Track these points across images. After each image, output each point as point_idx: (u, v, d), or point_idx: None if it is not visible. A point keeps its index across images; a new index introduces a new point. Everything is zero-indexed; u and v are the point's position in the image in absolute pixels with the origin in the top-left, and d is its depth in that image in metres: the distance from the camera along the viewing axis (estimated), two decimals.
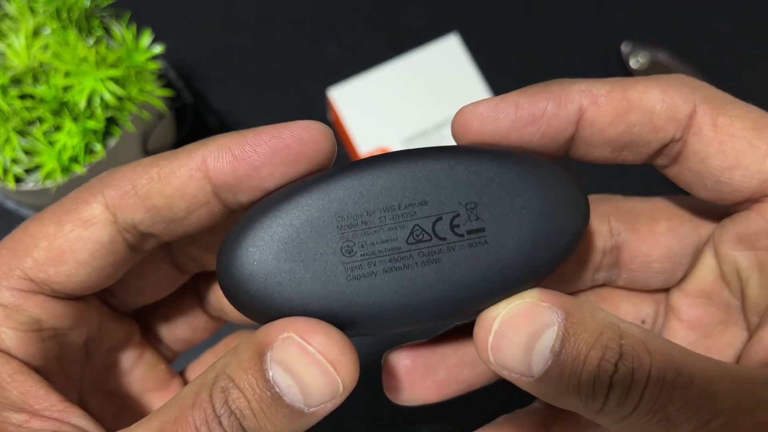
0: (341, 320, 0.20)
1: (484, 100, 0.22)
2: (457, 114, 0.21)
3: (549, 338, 0.18)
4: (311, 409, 0.18)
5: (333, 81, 0.50)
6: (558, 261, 0.20)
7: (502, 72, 0.52)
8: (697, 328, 0.24)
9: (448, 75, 0.49)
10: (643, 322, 0.25)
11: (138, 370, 0.26)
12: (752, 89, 0.53)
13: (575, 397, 0.18)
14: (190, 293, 0.27)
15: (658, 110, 0.20)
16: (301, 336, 0.18)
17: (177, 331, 0.27)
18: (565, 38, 0.54)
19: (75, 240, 0.20)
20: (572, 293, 0.26)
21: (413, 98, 0.48)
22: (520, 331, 0.19)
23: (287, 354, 0.18)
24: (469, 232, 0.20)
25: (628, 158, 0.22)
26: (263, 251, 0.20)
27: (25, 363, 0.20)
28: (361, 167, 0.20)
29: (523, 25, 0.54)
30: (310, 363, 0.18)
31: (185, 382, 0.27)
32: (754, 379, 0.19)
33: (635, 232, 0.24)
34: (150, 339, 0.27)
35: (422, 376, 0.24)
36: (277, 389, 0.18)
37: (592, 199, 0.24)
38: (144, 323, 0.27)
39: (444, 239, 0.20)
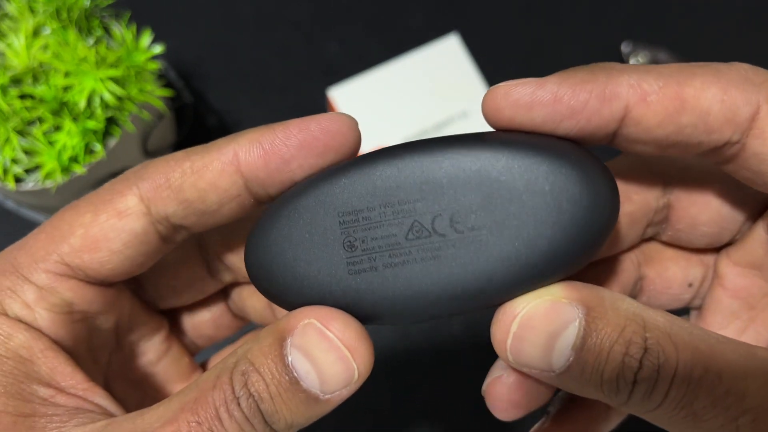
0: (349, 311, 0.20)
1: (520, 81, 0.20)
2: (489, 92, 0.20)
3: (570, 335, 0.18)
4: (326, 396, 0.19)
5: (333, 81, 0.50)
6: (582, 256, 0.19)
7: (502, 72, 0.52)
8: (742, 298, 0.24)
9: (448, 75, 0.49)
10: (690, 285, 0.25)
11: (164, 362, 0.27)
12: None
13: (598, 392, 0.18)
14: (217, 293, 0.28)
15: (715, 111, 0.18)
16: (321, 322, 0.19)
17: (202, 328, 0.28)
18: (565, 38, 0.54)
19: (109, 229, 0.21)
20: (622, 251, 0.25)
21: (413, 98, 0.48)
22: (539, 331, 0.18)
23: (307, 340, 0.19)
24: (471, 228, 0.20)
25: (674, 155, 0.20)
26: (279, 244, 0.21)
27: (55, 342, 0.21)
28: (361, 162, 0.21)
29: (523, 25, 0.54)
30: (328, 349, 0.19)
31: None
32: None
33: (687, 192, 0.23)
34: (176, 333, 0.28)
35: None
36: (296, 374, 0.19)
37: None
38: (172, 317, 0.28)
39: (443, 236, 0.20)
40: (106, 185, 0.22)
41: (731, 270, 0.24)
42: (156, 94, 0.40)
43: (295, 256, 0.20)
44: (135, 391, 0.26)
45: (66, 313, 0.22)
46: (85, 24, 0.41)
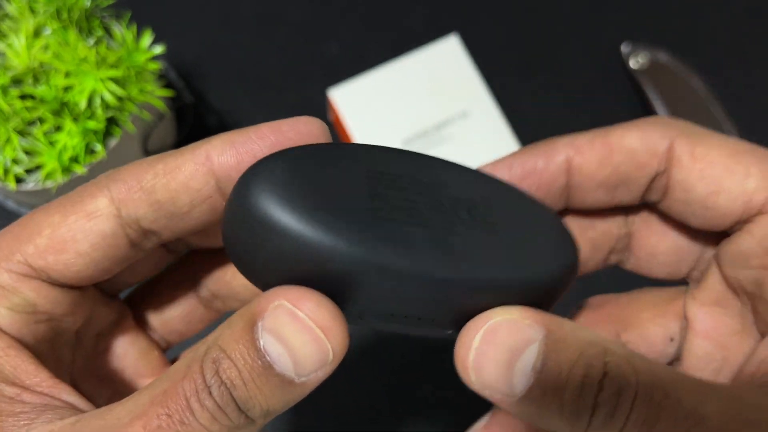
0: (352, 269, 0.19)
1: (482, 166, 0.24)
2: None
3: (530, 355, 0.18)
4: (302, 379, 0.19)
5: (333, 81, 0.50)
6: (550, 287, 0.20)
7: (502, 72, 0.52)
8: (713, 338, 0.24)
9: (449, 75, 0.49)
10: (672, 339, 0.25)
11: (130, 355, 0.26)
12: (752, 89, 0.53)
13: (559, 417, 0.18)
14: (185, 284, 0.28)
15: (638, 148, 0.22)
16: (292, 303, 0.19)
17: (172, 323, 0.28)
18: (565, 39, 0.54)
19: (77, 230, 0.21)
20: (589, 272, 0.26)
21: (413, 98, 0.49)
22: (500, 347, 0.18)
23: (278, 322, 0.18)
24: (484, 221, 0.20)
25: (624, 198, 0.23)
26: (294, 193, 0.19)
27: (17, 340, 0.21)
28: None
29: (523, 25, 0.54)
30: (300, 330, 0.18)
31: None
32: (743, 399, 0.19)
33: (647, 223, 0.25)
34: (144, 327, 0.27)
35: None
36: (268, 358, 0.18)
37: None
38: (138, 312, 0.27)
39: (460, 218, 0.20)
40: (79, 188, 0.22)
41: (698, 311, 0.24)
42: (156, 95, 0.40)
43: (315, 205, 0.18)
44: (104, 387, 0.25)
45: (28, 313, 0.21)
46: (85, 24, 0.41)
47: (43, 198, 0.40)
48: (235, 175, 0.21)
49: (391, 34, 0.53)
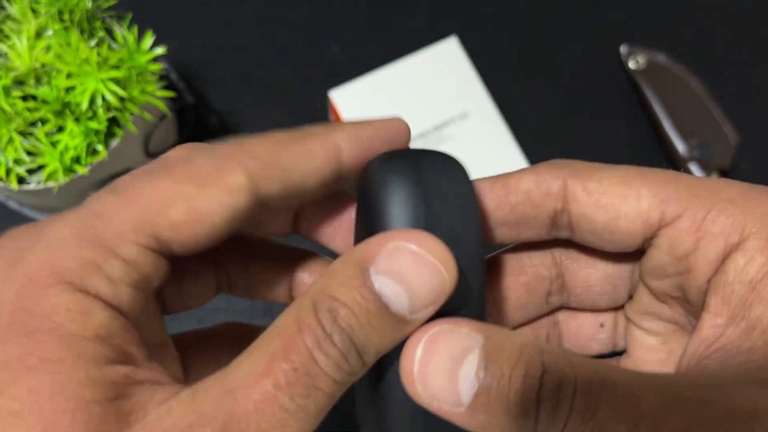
0: None
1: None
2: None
3: (472, 362, 0.19)
4: (414, 315, 0.19)
5: (334, 82, 0.50)
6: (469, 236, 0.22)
7: (502, 74, 0.53)
8: (656, 334, 0.25)
9: (448, 77, 0.50)
10: (602, 325, 0.27)
11: (147, 321, 0.25)
12: (751, 90, 0.53)
13: (506, 420, 0.18)
14: (208, 261, 0.27)
15: (532, 189, 0.23)
16: (410, 242, 0.19)
17: (183, 293, 0.27)
18: (565, 40, 0.54)
19: (216, 204, 0.21)
20: (533, 320, 0.27)
21: (413, 100, 0.49)
22: (443, 355, 0.19)
23: (396, 262, 0.19)
24: None
25: (530, 236, 0.25)
26: None
27: (128, 319, 0.20)
28: None
29: (522, 27, 0.55)
30: (421, 266, 0.19)
31: (179, 350, 0.27)
32: (678, 381, 0.20)
33: (575, 260, 0.26)
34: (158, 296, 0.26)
35: None
36: (384, 299, 0.19)
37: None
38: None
39: None
40: (200, 157, 0.21)
41: (637, 315, 0.26)
42: (158, 95, 0.40)
43: None
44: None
45: (142, 288, 0.21)
46: (87, 25, 0.41)
47: (45, 198, 0.40)
48: (356, 166, 0.23)
49: (392, 35, 0.54)
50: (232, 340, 0.28)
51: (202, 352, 0.28)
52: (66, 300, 0.19)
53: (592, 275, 0.26)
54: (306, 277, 0.27)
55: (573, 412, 0.18)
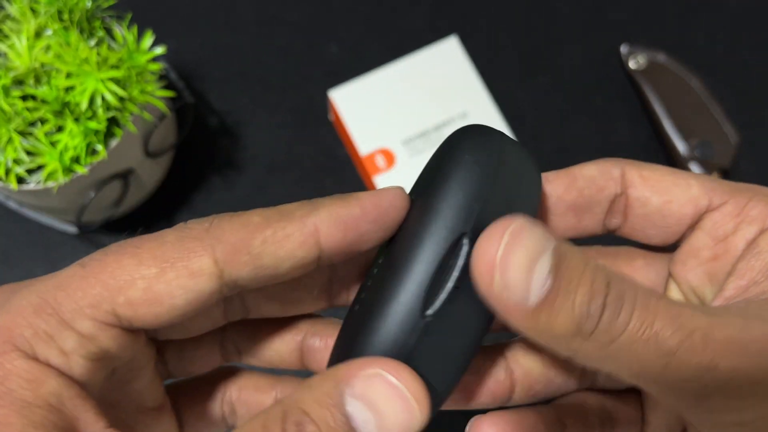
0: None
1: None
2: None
3: (546, 262, 0.19)
4: None
5: (334, 82, 0.50)
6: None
7: (502, 74, 0.53)
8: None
9: (448, 76, 0.49)
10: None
11: (137, 384, 0.26)
12: (751, 90, 0.53)
13: (569, 320, 0.19)
14: (213, 333, 0.27)
15: (596, 175, 0.25)
16: (389, 372, 0.20)
17: (186, 361, 0.27)
18: (565, 40, 0.54)
19: (177, 287, 0.21)
20: None
21: (413, 100, 0.49)
22: (524, 249, 0.19)
23: (372, 389, 0.19)
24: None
25: (589, 224, 0.26)
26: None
27: (83, 387, 0.21)
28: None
29: (522, 26, 0.54)
30: (395, 399, 0.19)
31: (172, 401, 0.27)
32: (719, 308, 0.21)
33: (616, 268, 0.26)
34: (158, 363, 0.27)
35: None
36: (353, 424, 0.19)
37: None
38: (159, 349, 0.27)
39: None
40: (171, 238, 0.22)
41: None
42: (157, 95, 0.40)
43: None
44: (109, 412, 0.25)
45: (100, 360, 0.21)
46: (86, 25, 0.41)
47: (44, 198, 0.40)
48: (340, 249, 0.22)
49: (391, 35, 0.53)
50: (224, 389, 0.28)
51: (194, 403, 0.28)
52: (19, 367, 0.20)
53: (628, 269, 0.27)
54: (317, 342, 0.27)
55: (633, 320, 0.19)
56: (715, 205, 0.24)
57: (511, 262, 0.18)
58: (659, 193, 0.25)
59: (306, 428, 0.19)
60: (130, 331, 0.22)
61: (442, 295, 0.21)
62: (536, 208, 0.24)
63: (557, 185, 0.25)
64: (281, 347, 0.27)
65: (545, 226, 0.19)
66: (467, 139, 0.23)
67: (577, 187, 0.25)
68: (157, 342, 0.26)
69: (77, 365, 0.20)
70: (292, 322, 0.27)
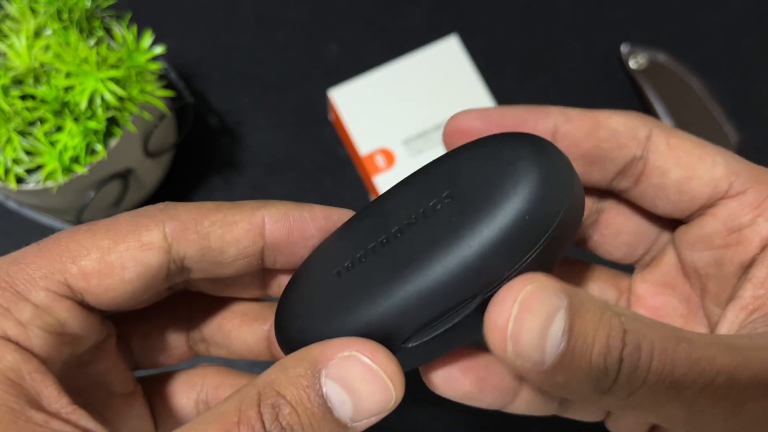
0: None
1: (470, 110, 0.25)
2: (448, 122, 0.25)
3: (559, 322, 0.18)
4: (354, 423, 0.20)
5: (333, 81, 0.50)
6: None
7: (502, 73, 0.52)
8: (660, 318, 0.26)
9: (448, 76, 0.49)
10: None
11: (104, 371, 0.26)
12: (751, 90, 0.53)
13: (586, 379, 0.18)
14: (179, 319, 0.28)
15: (621, 130, 0.24)
16: (364, 354, 0.20)
17: (152, 350, 0.28)
18: (565, 39, 0.54)
19: (128, 258, 0.22)
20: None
21: (413, 99, 0.49)
22: (536, 314, 0.18)
23: (347, 370, 0.20)
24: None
25: (596, 177, 0.25)
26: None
27: (43, 362, 0.21)
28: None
29: (522, 26, 0.54)
30: (370, 379, 0.20)
31: (145, 392, 0.27)
32: (742, 341, 0.21)
33: (616, 203, 0.27)
34: (123, 346, 0.27)
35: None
36: (330, 404, 0.19)
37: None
38: (121, 330, 0.27)
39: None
40: (125, 216, 0.23)
41: (647, 290, 0.26)
42: (157, 95, 0.40)
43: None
44: (76, 399, 0.25)
45: (58, 334, 0.21)
46: (86, 25, 0.41)
47: (44, 198, 0.40)
48: (282, 245, 0.23)
49: (391, 34, 0.53)
50: (201, 387, 0.28)
51: (170, 399, 0.28)
52: None
53: (625, 225, 0.27)
54: None
55: (651, 372, 0.18)
56: (734, 193, 0.23)
57: (524, 331, 0.18)
58: (682, 167, 0.24)
59: (282, 410, 0.19)
60: (87, 308, 0.22)
61: (432, 334, 0.21)
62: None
63: (578, 128, 0.24)
64: (248, 337, 0.27)
65: (557, 282, 0.19)
66: (539, 167, 0.21)
67: (597, 137, 0.24)
68: (120, 329, 0.27)
69: (35, 336, 0.21)
70: (258, 311, 0.27)
